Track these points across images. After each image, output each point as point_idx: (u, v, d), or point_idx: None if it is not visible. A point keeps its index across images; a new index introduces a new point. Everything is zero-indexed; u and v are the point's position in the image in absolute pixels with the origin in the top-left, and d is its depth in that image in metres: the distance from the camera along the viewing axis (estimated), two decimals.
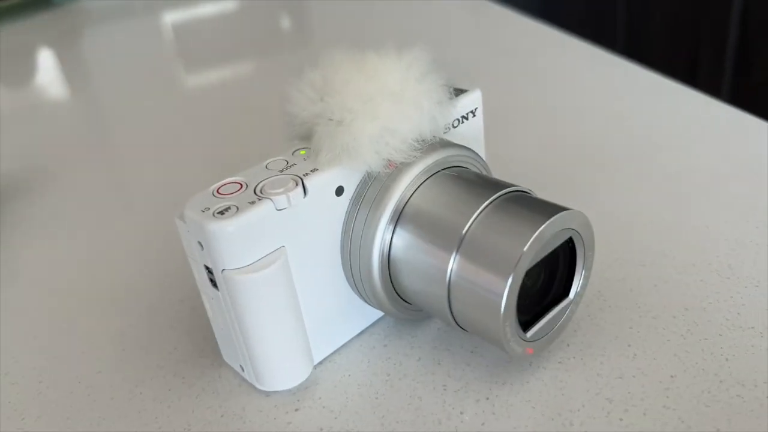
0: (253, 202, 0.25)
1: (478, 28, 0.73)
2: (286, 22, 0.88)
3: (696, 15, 1.06)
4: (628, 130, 0.46)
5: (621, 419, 0.25)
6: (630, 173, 0.41)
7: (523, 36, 0.67)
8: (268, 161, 0.28)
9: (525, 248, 0.24)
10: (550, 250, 0.25)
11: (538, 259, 0.25)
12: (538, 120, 0.50)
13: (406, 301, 0.29)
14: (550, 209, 0.25)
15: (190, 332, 0.33)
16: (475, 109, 0.32)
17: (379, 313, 0.31)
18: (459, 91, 0.31)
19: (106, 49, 0.85)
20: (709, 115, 0.46)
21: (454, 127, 0.31)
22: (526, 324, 0.26)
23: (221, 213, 0.25)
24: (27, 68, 0.80)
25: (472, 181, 0.28)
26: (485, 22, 0.74)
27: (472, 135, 0.32)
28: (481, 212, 0.26)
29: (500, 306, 0.24)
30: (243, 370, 0.29)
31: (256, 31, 0.84)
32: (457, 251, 0.25)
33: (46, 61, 0.85)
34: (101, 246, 0.42)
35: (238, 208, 0.25)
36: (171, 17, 0.91)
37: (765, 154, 0.40)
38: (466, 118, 0.32)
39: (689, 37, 1.08)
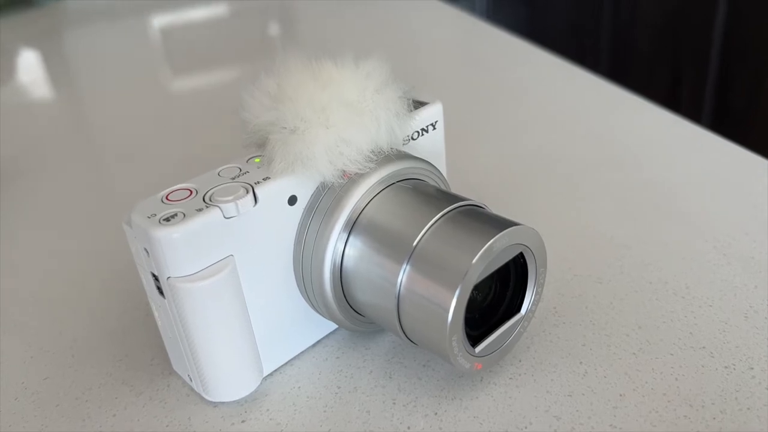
0: (200, 209, 0.25)
1: (460, 43, 0.73)
2: (273, 28, 0.88)
3: (678, 41, 1.07)
4: (596, 147, 0.46)
5: None
6: (593, 191, 0.41)
7: (503, 52, 0.68)
8: (221, 168, 0.27)
9: (473, 261, 0.23)
10: (499, 264, 0.25)
11: (488, 274, 0.25)
12: (507, 135, 0.50)
13: (359, 314, 0.29)
14: (501, 224, 0.25)
15: (143, 340, 0.32)
16: (436, 122, 0.32)
17: (334, 325, 0.31)
18: (419, 104, 0.31)
19: (87, 49, 0.84)
20: (676, 134, 0.47)
21: (414, 139, 0.31)
22: (475, 339, 0.26)
23: (167, 220, 0.24)
24: (5, 66, 0.80)
25: (427, 194, 0.27)
26: (468, 37, 0.75)
27: (432, 148, 0.32)
28: (432, 225, 0.25)
29: (447, 319, 0.24)
30: (191, 380, 0.28)
31: (242, 36, 0.84)
32: (407, 263, 0.25)
33: (26, 60, 0.84)
34: (60, 250, 0.42)
35: (185, 215, 0.24)
36: (156, 20, 0.91)
37: (728, 176, 0.41)
38: (426, 131, 0.31)
39: (672, 62, 1.09)
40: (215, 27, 0.89)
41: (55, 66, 0.81)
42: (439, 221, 0.25)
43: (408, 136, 0.31)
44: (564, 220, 0.38)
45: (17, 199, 0.49)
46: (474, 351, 0.26)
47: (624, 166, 0.43)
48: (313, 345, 0.31)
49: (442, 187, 0.30)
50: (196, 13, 0.92)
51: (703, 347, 0.28)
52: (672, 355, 0.28)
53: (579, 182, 0.42)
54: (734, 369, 0.27)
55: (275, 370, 0.30)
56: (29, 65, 0.82)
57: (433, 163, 0.30)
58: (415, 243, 0.25)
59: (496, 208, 0.27)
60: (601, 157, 0.45)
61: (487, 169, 0.45)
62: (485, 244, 0.24)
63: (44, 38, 0.89)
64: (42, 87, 0.75)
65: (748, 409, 0.25)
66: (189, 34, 0.87)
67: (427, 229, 0.25)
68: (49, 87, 0.75)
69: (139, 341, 0.32)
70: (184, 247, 0.24)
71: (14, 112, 0.68)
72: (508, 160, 0.46)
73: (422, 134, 0.31)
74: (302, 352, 0.30)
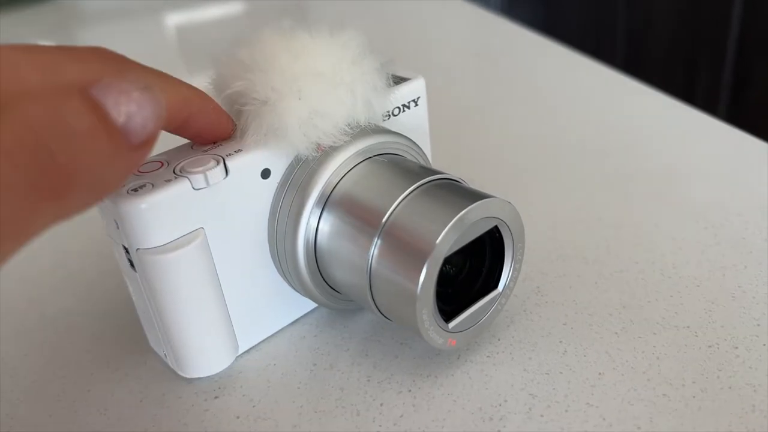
0: (169, 180, 0.24)
1: (473, 36, 0.73)
2: (287, 26, 0.87)
3: (694, 34, 1.05)
4: (597, 134, 0.45)
5: (542, 415, 0.24)
6: (589, 175, 0.40)
7: (513, 44, 0.67)
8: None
9: (443, 233, 0.23)
10: (472, 237, 0.24)
11: (459, 247, 0.24)
12: (513, 122, 0.49)
13: (335, 291, 0.28)
14: (473, 196, 0.24)
15: (122, 317, 0.32)
16: (418, 98, 0.31)
17: (313, 304, 0.31)
18: (400, 79, 0.31)
19: (95, 44, 0.84)
20: (674, 117, 0.46)
21: (395, 115, 0.30)
22: (449, 314, 0.25)
23: (135, 190, 0.24)
24: None
25: (402, 168, 0.27)
26: (483, 31, 0.74)
27: (415, 124, 0.31)
28: (404, 198, 0.25)
29: (416, 292, 0.23)
30: (166, 356, 0.28)
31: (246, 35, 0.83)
32: (378, 237, 0.25)
33: None
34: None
35: (153, 186, 0.24)
36: (169, 18, 0.91)
37: (725, 159, 0.40)
38: (408, 107, 0.31)
39: (687, 61, 1.08)
40: (229, 25, 0.88)
41: None
42: (411, 194, 0.25)
43: (389, 111, 0.30)
44: (555, 201, 0.37)
45: None
46: (447, 326, 0.25)
47: (622, 150, 0.42)
48: (292, 323, 0.30)
49: (422, 162, 0.30)
50: (210, 12, 0.92)
51: (688, 326, 0.28)
52: (655, 334, 0.27)
53: (576, 167, 0.41)
54: (718, 348, 0.26)
55: (252, 348, 0.29)
56: None
57: (416, 140, 0.30)
58: (386, 217, 0.25)
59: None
60: (600, 143, 0.44)
61: (488, 153, 0.45)
62: (455, 216, 0.23)
63: (55, 33, 0.89)
64: None
65: (730, 388, 0.25)
66: (203, 32, 0.86)
67: (398, 203, 0.25)
68: None
69: (120, 319, 0.32)
70: (152, 218, 0.24)
71: None
72: (510, 145, 0.45)
73: (404, 110, 0.31)
74: (280, 331, 0.30)
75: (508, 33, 0.69)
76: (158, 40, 0.83)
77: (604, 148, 0.43)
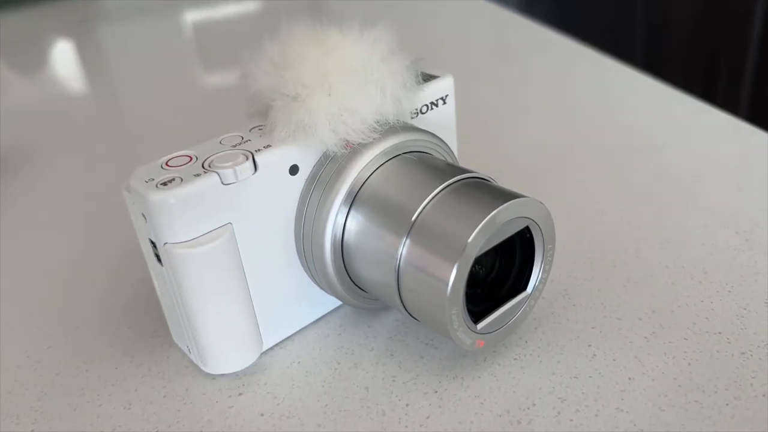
0: (198, 175, 0.24)
1: (492, 34, 0.72)
2: (307, 24, 0.86)
3: (715, 33, 1.04)
4: (622, 134, 0.45)
5: (571, 420, 0.24)
6: (616, 176, 0.39)
7: (534, 43, 0.66)
8: (222, 136, 0.27)
9: (474, 233, 0.23)
10: (503, 238, 0.24)
11: (490, 247, 0.24)
12: (533, 121, 0.49)
13: (361, 289, 0.28)
14: (505, 195, 0.24)
15: (146, 312, 0.32)
16: (446, 96, 0.31)
17: (338, 301, 0.30)
18: (429, 76, 0.30)
19: (117, 42, 0.85)
20: (702, 121, 0.45)
21: (423, 113, 0.30)
22: (478, 315, 0.25)
23: (164, 184, 0.24)
24: (29, 56, 0.81)
25: (431, 166, 0.27)
26: (502, 29, 0.73)
27: (443, 122, 0.31)
28: (434, 197, 0.25)
29: (446, 292, 0.23)
30: (190, 351, 0.28)
31: (273, 32, 0.83)
32: (407, 236, 0.24)
33: (51, 50, 0.85)
34: (69, 223, 0.42)
35: (182, 180, 0.24)
36: (187, 16, 0.91)
37: (755, 162, 0.39)
38: (436, 105, 0.31)
39: (708, 55, 1.06)
40: (248, 23, 0.88)
41: (84, 58, 0.81)
42: (441, 193, 0.25)
43: (417, 109, 0.30)
44: (582, 203, 0.37)
45: (24, 179, 0.49)
46: (476, 327, 0.25)
47: (649, 152, 0.42)
48: (316, 321, 0.30)
49: (450, 161, 0.29)
50: (229, 9, 0.92)
51: (719, 332, 0.27)
52: (686, 339, 0.27)
53: (602, 168, 0.41)
54: (751, 355, 0.26)
55: (276, 345, 0.29)
56: (53, 55, 0.83)
57: (443, 138, 0.29)
58: (415, 215, 0.24)
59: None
60: (626, 144, 0.43)
61: (512, 153, 0.44)
62: (487, 216, 0.23)
63: (77, 30, 0.89)
64: (71, 77, 0.75)
65: (764, 395, 0.24)
66: (221, 29, 0.86)
67: (428, 201, 0.24)
68: (77, 78, 0.75)
69: (144, 313, 0.32)
70: (181, 212, 0.24)
71: (40, 99, 0.68)
72: (533, 146, 0.45)
73: (432, 108, 0.30)
74: (304, 328, 0.30)
75: (528, 32, 0.68)
76: (177, 38, 0.84)
77: (628, 149, 0.42)
